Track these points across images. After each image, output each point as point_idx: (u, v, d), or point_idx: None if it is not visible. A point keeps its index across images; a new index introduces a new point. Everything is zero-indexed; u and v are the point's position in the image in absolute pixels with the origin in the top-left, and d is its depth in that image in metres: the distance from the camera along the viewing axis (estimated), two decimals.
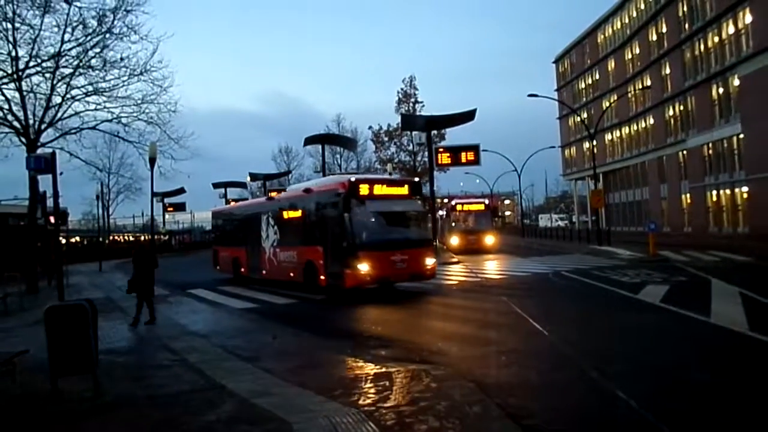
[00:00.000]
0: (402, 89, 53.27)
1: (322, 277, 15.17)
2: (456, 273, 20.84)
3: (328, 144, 48.59)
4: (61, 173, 15.90)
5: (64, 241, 38.32)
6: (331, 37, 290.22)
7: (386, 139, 54.04)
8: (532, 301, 13.21)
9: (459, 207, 34.55)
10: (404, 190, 15.52)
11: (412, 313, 12.59)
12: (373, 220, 14.76)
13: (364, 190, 14.49)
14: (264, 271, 19.34)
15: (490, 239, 31.82)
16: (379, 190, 14.92)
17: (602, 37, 59.19)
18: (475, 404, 5.63)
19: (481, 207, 34.12)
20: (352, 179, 14.74)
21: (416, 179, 15.59)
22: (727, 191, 38.06)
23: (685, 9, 42.69)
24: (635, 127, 53.63)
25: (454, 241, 32.26)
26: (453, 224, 34.14)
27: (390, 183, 15.88)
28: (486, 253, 30.03)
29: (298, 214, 17.15)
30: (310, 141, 44.12)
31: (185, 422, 5.44)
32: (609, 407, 5.68)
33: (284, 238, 18.15)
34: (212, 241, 28.35)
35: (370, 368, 7.32)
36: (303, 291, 16.04)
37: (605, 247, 29.10)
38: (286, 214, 17.93)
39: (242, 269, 21.27)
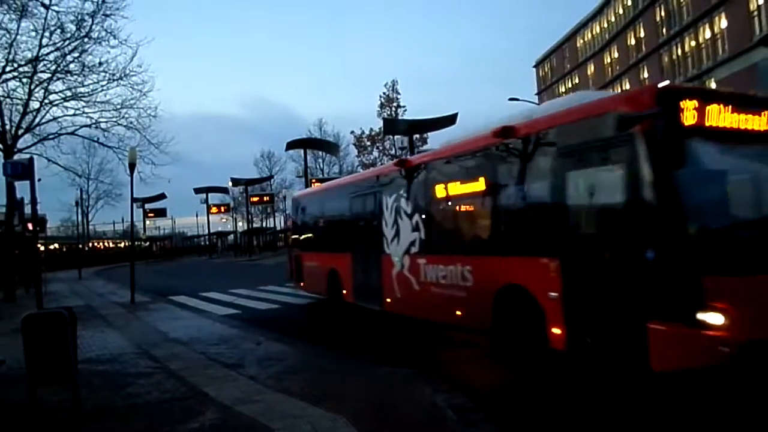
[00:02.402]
0: (384, 93, 53.45)
1: (557, 331, 6.85)
2: None
3: (311, 148, 48.67)
4: (39, 179, 15.69)
5: (42, 248, 37.79)
6: (313, 41, 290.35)
7: (369, 143, 54.16)
8: None
9: None
10: None
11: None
12: (728, 190, 6.57)
13: (696, 114, 5.85)
14: (389, 300, 11.29)
15: None
16: (735, 119, 6.12)
17: (581, 41, 59.84)
18: (458, 408, 5.64)
19: None
20: (661, 85, 6.14)
21: None
22: None
23: (663, 14, 43.36)
24: None
25: None
26: None
27: (748, 103, 6.43)
28: None
29: (477, 186, 8.79)
30: (292, 145, 44.09)
31: (167, 431, 5.38)
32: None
33: (438, 237, 9.95)
34: (291, 243, 18.35)
35: (357, 373, 7.31)
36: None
37: None
38: (441, 191, 9.76)
39: (344, 291, 13.15)
